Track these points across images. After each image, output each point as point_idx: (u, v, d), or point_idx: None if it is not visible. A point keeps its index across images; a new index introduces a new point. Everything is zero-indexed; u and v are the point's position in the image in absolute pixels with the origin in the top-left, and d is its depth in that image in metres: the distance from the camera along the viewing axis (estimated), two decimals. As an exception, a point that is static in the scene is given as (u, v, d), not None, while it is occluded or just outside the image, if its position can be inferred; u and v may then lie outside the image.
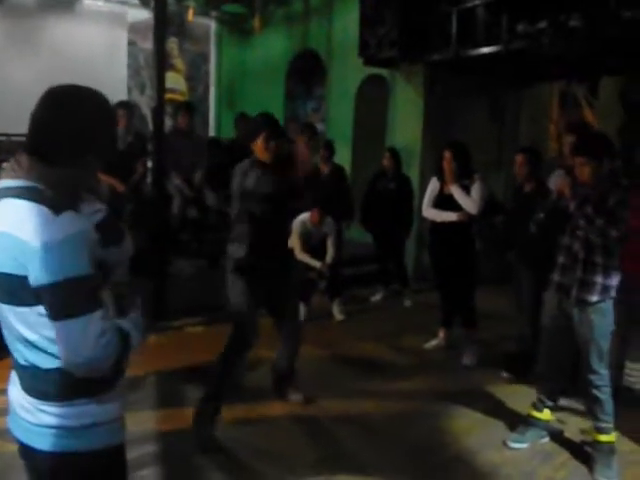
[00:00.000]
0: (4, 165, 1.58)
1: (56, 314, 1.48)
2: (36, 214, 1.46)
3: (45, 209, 1.47)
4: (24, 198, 1.49)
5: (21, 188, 1.52)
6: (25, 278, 1.47)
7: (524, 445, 3.72)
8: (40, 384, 1.59)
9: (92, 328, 1.48)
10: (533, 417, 3.78)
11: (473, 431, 3.94)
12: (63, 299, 1.47)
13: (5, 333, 1.64)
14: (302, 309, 6.03)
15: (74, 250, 1.48)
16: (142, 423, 3.74)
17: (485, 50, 6.63)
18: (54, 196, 1.50)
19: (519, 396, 4.36)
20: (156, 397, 4.32)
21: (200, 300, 6.01)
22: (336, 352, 5.31)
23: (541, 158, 4.87)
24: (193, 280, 6.56)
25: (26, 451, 1.66)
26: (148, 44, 10.28)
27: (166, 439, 3.67)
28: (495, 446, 3.73)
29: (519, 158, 4.73)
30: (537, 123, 9.11)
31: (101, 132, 1.60)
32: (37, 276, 1.45)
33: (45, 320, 1.51)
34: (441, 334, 5.45)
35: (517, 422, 3.90)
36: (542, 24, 6.12)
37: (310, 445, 3.72)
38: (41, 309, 1.50)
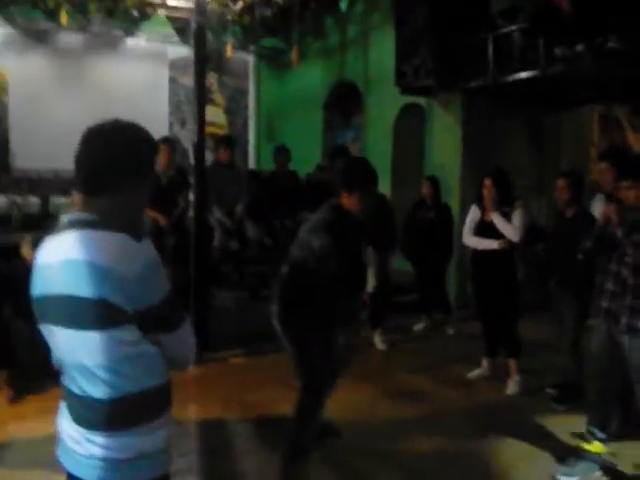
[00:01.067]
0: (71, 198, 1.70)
1: (171, 325, 1.67)
2: (119, 242, 1.55)
3: (125, 237, 1.56)
4: (97, 229, 1.57)
5: (88, 221, 1.60)
6: (102, 302, 1.53)
7: (574, 479, 3.60)
8: (91, 414, 1.62)
9: (190, 325, 1.74)
10: (583, 449, 3.67)
11: (520, 464, 3.83)
12: (172, 311, 1.66)
13: (59, 360, 1.69)
14: (343, 339, 6.02)
15: (161, 269, 1.65)
16: (184, 455, 3.75)
17: (523, 75, 6.60)
18: (122, 225, 1.58)
19: (568, 427, 4.24)
20: (201, 428, 4.34)
21: (242, 331, 6.04)
22: (377, 383, 5.26)
23: (583, 182, 4.79)
24: (235, 311, 6.61)
25: None
26: (188, 80, 10.52)
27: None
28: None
29: (560, 182, 4.66)
30: (578, 146, 8.99)
31: (133, 160, 1.65)
32: (140, 299, 1.57)
33: (108, 346, 1.56)
34: (485, 363, 5.36)
35: (567, 454, 3.78)
36: (580, 47, 6.07)
37: None
38: (113, 333, 1.56)
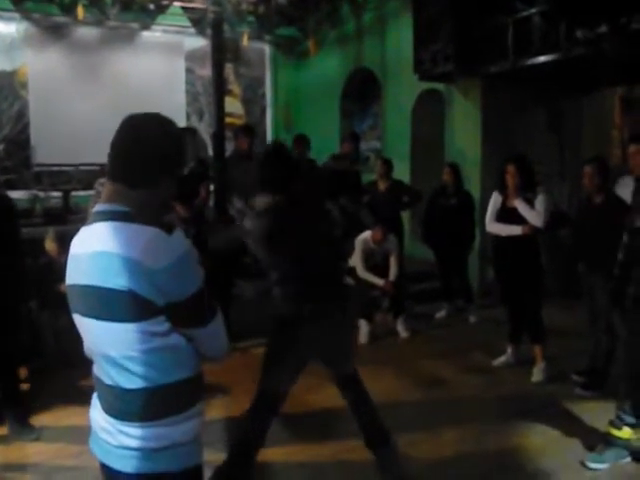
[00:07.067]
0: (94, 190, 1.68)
1: (203, 319, 1.65)
2: (150, 235, 1.54)
3: (157, 230, 1.55)
4: (128, 221, 1.57)
5: (119, 212, 1.59)
6: (131, 294, 1.53)
7: (603, 466, 3.56)
8: (121, 404, 1.63)
9: (222, 319, 1.73)
10: (612, 435, 3.62)
11: (548, 451, 3.81)
12: (204, 305, 1.64)
13: (89, 350, 1.70)
14: (366, 328, 6.02)
15: (194, 262, 1.62)
16: (211, 445, 3.76)
17: (543, 59, 6.50)
18: (154, 217, 1.59)
19: (595, 413, 4.20)
20: (224, 419, 4.35)
21: (264, 320, 6.03)
22: (401, 371, 5.25)
23: (608, 167, 4.73)
24: (255, 301, 6.61)
25: (107, 472, 1.70)
26: (205, 71, 10.55)
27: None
28: (572, 467, 3.60)
29: (588, 169, 4.58)
30: (599, 130, 8.87)
31: (171, 154, 1.67)
32: (171, 292, 1.56)
33: (137, 338, 1.56)
34: (509, 350, 5.33)
35: (595, 441, 3.75)
36: (602, 29, 5.96)
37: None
38: (142, 325, 1.56)
